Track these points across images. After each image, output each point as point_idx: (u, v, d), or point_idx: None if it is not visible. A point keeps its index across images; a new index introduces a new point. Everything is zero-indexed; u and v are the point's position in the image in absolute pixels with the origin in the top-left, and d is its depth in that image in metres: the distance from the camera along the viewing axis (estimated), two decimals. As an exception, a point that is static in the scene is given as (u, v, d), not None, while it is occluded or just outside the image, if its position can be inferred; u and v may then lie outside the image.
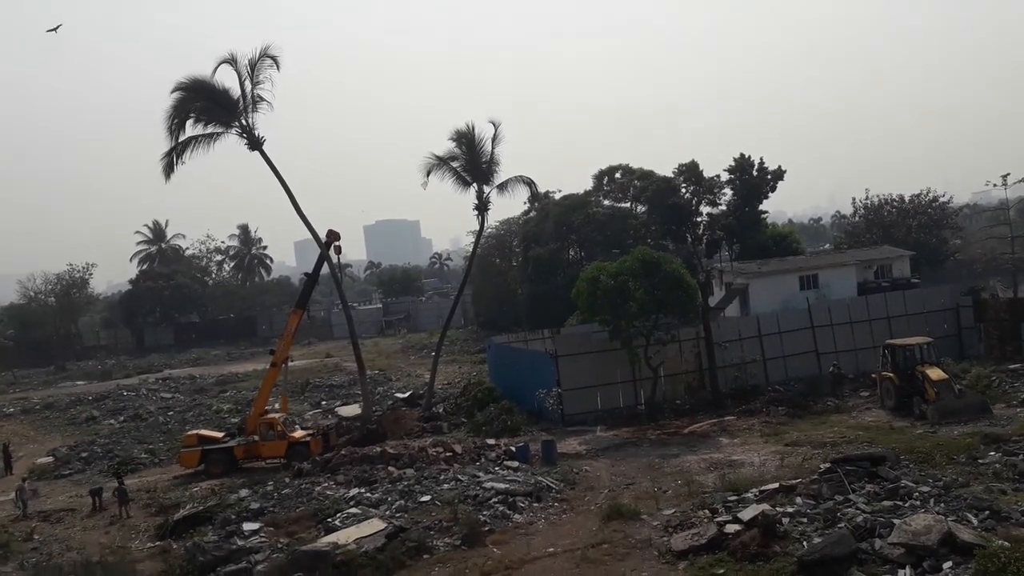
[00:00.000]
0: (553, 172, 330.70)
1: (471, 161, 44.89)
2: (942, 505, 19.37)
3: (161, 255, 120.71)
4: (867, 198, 75.26)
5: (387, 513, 24.76)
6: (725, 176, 62.94)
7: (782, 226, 77.65)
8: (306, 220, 41.30)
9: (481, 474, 28.10)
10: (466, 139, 44.85)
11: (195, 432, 37.06)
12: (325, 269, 41.19)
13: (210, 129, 40.64)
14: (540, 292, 66.20)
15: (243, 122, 40.52)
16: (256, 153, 40.69)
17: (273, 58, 40.29)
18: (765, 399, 36.49)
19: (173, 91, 40.14)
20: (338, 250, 40.15)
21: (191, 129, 40.54)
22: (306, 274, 41.10)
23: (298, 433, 36.19)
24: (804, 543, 18.12)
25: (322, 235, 39.70)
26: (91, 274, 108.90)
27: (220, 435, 36.49)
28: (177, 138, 40.11)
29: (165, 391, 60.55)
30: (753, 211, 63.15)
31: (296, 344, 41.78)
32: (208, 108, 40.26)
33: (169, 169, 40.39)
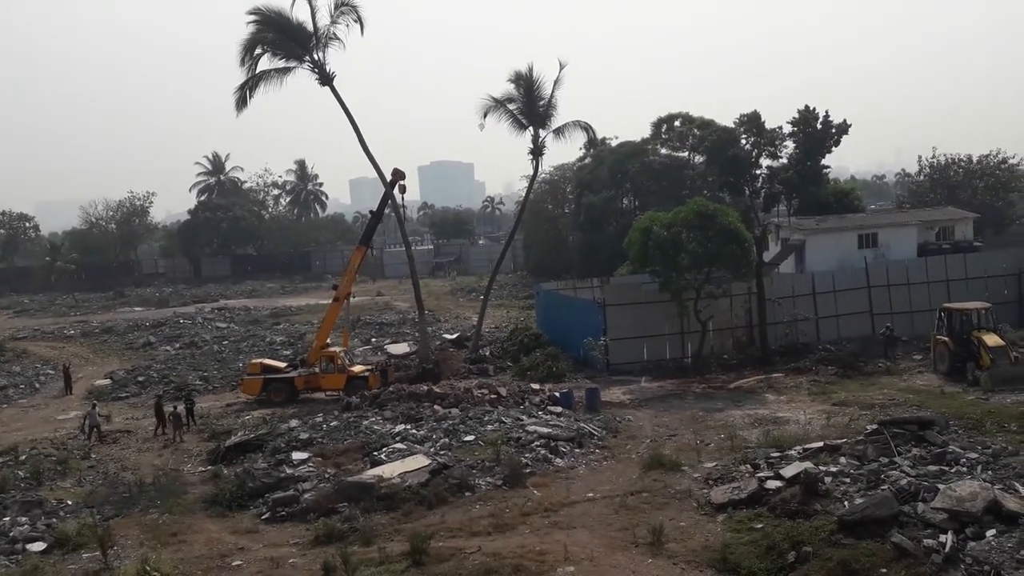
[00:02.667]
0: (610, 118, 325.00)
1: (528, 104, 44.34)
2: (989, 472, 19.07)
3: (220, 187, 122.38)
4: (934, 157, 73.30)
5: (431, 450, 25.26)
6: (788, 128, 61.61)
7: (844, 182, 76.17)
8: (372, 158, 41.39)
9: (524, 417, 28.43)
10: (524, 81, 44.19)
11: (259, 361, 38.08)
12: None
13: (282, 63, 40.71)
14: (591, 240, 65.94)
15: (315, 57, 40.54)
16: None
17: (357, 16, 40.04)
18: (815, 358, 36.17)
19: (248, 22, 40.15)
20: (403, 189, 40.27)
21: (263, 63, 40.70)
22: (370, 211, 41.33)
23: (357, 368, 36.95)
24: (845, 503, 18.05)
25: (387, 174, 39.88)
26: (151, 202, 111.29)
27: (283, 365, 37.37)
28: (252, 70, 40.25)
29: (220, 321, 61.98)
30: (815, 165, 61.83)
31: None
32: (281, 41, 40.26)
33: (242, 103, 40.55)
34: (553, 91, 44.08)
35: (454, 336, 48.09)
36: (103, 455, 29.02)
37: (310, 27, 40.25)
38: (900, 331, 38.07)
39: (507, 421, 27.97)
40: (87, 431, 31.12)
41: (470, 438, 26.42)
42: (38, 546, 20.25)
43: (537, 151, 45.30)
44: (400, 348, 46.28)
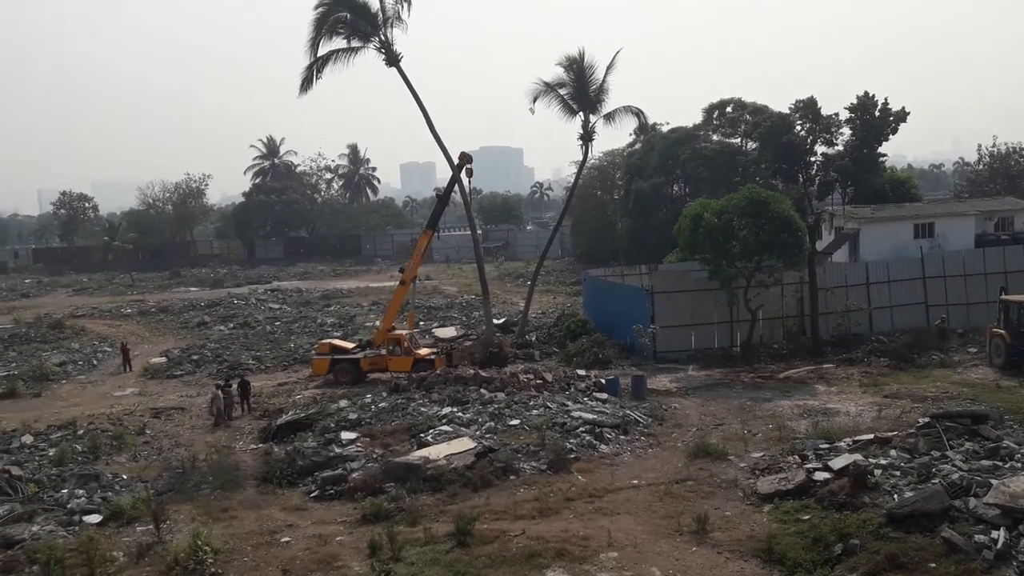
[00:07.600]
0: (661, 103, 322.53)
1: (579, 89, 44.10)
2: (1046, 469, 18.61)
3: (274, 170, 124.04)
4: (994, 145, 71.38)
5: (477, 433, 25.40)
6: (845, 115, 60.36)
7: (900, 170, 74.41)
8: (440, 140, 41.59)
9: (570, 403, 28.43)
10: (576, 66, 43.97)
11: (328, 341, 38.56)
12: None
13: (345, 43, 41.03)
14: (640, 227, 65.51)
15: (383, 37, 40.73)
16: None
17: None
18: (867, 349, 35.56)
19: (316, 5, 40.65)
20: (470, 173, 40.16)
21: (329, 43, 41.08)
22: (436, 195, 41.48)
23: (423, 350, 37.23)
24: (895, 496, 17.76)
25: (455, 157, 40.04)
26: (207, 185, 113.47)
27: (351, 346, 37.78)
28: (316, 51, 40.65)
29: (273, 302, 62.98)
30: (871, 153, 60.50)
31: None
32: (351, 20, 40.58)
33: (307, 83, 41.06)
34: (605, 76, 43.86)
35: (501, 321, 48.17)
36: (157, 431, 29.67)
37: (375, 6, 40.62)
38: (955, 323, 37.33)
39: (552, 406, 28.00)
40: (215, 413, 30.76)
41: (515, 422, 26.52)
42: (94, 518, 20.81)
43: (587, 136, 45.07)
44: (447, 332, 46.55)
